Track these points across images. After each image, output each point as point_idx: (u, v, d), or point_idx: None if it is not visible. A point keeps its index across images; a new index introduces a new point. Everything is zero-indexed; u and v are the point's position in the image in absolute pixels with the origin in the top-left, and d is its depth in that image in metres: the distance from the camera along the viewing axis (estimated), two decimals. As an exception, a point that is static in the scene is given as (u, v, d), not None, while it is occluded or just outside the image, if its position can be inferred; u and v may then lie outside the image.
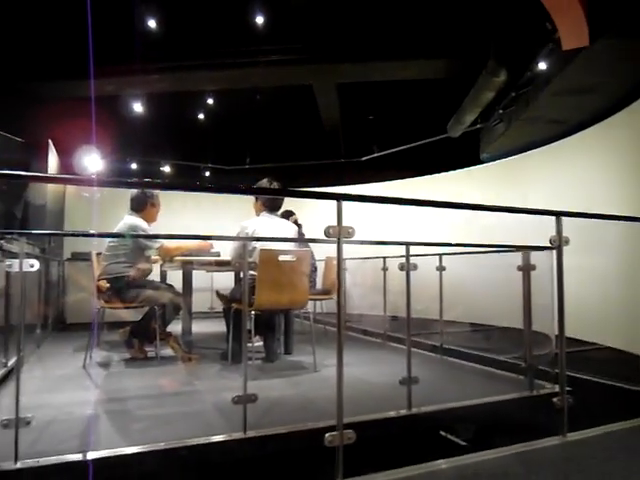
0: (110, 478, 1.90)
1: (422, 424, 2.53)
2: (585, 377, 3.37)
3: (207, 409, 2.71)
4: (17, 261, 2.09)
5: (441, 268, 4.16)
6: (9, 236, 3.24)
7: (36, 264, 2.11)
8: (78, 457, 1.94)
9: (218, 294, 4.38)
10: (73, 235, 6.34)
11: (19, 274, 2.13)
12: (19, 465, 1.84)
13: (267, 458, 2.11)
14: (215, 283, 6.21)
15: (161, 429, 2.35)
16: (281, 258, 3.49)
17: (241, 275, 4.45)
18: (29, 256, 3.43)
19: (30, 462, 1.86)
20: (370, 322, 5.80)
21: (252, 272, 3.48)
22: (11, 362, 3.49)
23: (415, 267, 2.73)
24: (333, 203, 1.89)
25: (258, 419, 2.35)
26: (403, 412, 2.52)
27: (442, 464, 1.94)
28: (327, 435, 1.76)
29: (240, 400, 2.22)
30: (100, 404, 2.83)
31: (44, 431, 2.21)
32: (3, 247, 3.11)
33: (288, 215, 5.09)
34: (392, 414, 2.50)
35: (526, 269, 3.14)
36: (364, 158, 8.96)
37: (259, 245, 3.58)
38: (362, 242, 2.78)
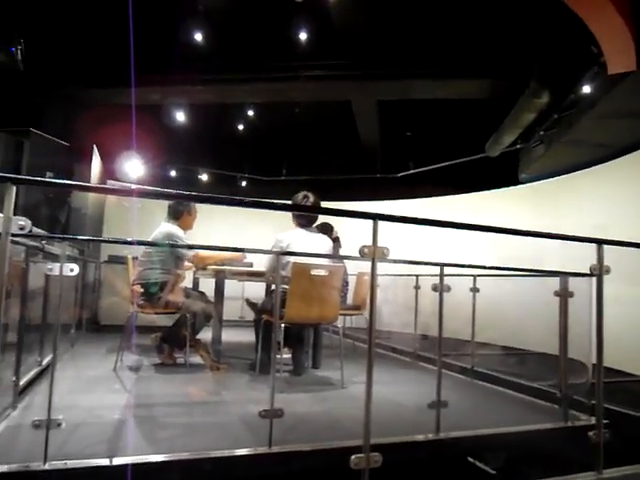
0: None
1: (450, 450, 2.48)
2: (622, 410, 3.24)
3: (233, 421, 2.72)
4: (58, 265, 2.14)
5: (475, 289, 4.10)
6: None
7: (76, 269, 2.16)
8: (105, 462, 1.97)
9: (248, 302, 4.40)
10: (112, 242, 6.49)
11: (59, 277, 2.18)
12: (47, 467, 1.87)
13: (291, 476, 2.10)
14: (246, 292, 6.25)
15: (187, 438, 2.37)
16: (313, 272, 3.49)
17: (272, 287, 4.47)
18: (69, 258, 3.56)
19: (58, 464, 1.89)
20: (399, 340, 5.73)
21: (284, 285, 3.49)
22: (45, 361, 3.59)
23: (449, 289, 2.69)
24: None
25: (283, 434, 2.34)
26: (431, 436, 2.47)
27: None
28: (353, 457, 1.75)
29: (267, 415, 2.22)
30: (129, 409, 2.87)
31: (73, 433, 2.24)
32: (45, 249, 3.20)
33: (327, 229, 5.05)
34: (420, 438, 2.46)
35: (563, 295, 3.06)
36: (400, 174, 8.93)
37: (292, 259, 3.60)
38: (396, 261, 2.76)
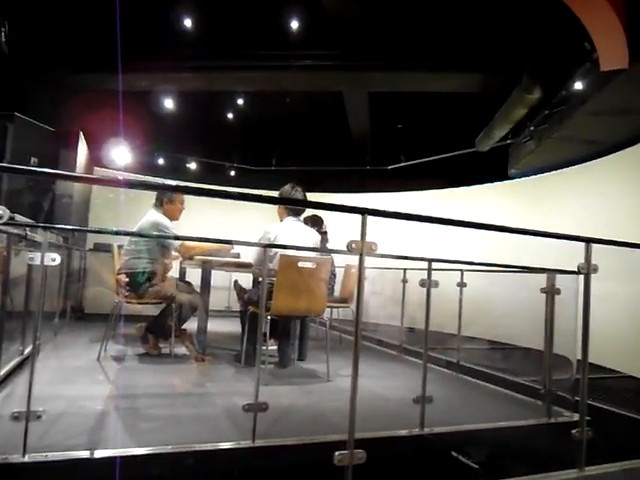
0: (116, 478, 1.89)
1: (434, 445, 2.48)
2: (604, 407, 3.27)
3: (217, 413, 2.69)
4: (39, 254, 2.08)
5: (462, 284, 4.10)
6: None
7: (57, 258, 2.10)
8: (86, 454, 1.94)
9: (236, 285, 4.38)
10: (97, 232, 6.38)
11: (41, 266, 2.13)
12: (27, 459, 1.84)
13: (274, 470, 2.08)
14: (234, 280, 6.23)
15: (170, 431, 2.34)
16: (301, 265, 3.47)
17: (260, 279, 4.45)
18: (52, 246, 3.49)
19: (38, 456, 1.86)
20: (386, 332, 5.74)
21: (270, 277, 3.46)
22: (27, 350, 3.53)
23: (437, 284, 2.68)
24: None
25: (267, 428, 2.32)
26: (415, 431, 2.47)
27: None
28: (337, 454, 1.73)
29: (251, 408, 2.20)
30: (111, 400, 2.82)
31: (54, 425, 2.21)
32: (28, 237, 3.14)
33: (317, 222, 5.05)
34: (404, 433, 2.45)
35: (550, 292, 3.07)
36: (390, 167, 8.90)
37: (280, 251, 3.57)
38: (383, 256, 2.74)
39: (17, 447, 1.84)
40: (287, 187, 4.10)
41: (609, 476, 2.17)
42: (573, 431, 2.27)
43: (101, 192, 7.16)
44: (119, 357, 3.99)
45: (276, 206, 4.25)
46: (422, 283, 2.69)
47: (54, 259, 2.09)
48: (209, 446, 2.09)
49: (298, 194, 4.08)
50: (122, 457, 1.95)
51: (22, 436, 1.86)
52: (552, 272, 3.06)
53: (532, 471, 2.10)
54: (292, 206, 4.10)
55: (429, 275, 2.67)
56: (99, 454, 1.95)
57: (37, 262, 2.08)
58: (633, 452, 2.40)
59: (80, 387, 3.07)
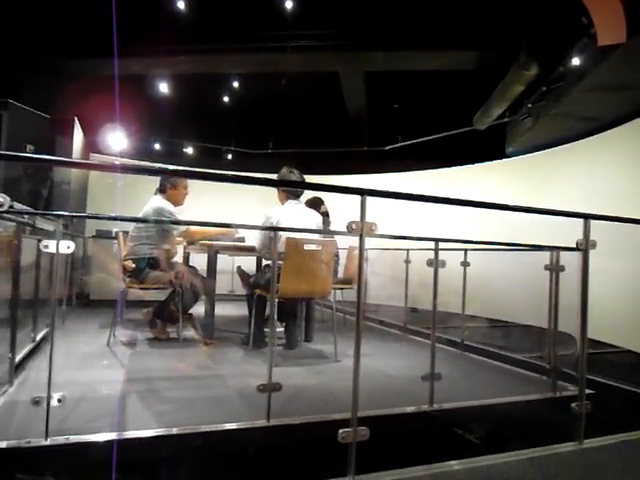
0: (134, 459, 1.92)
1: (439, 421, 2.52)
2: (605, 381, 3.31)
3: (229, 394, 2.74)
4: (53, 242, 2.08)
5: (465, 264, 4.09)
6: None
7: (72, 246, 2.12)
8: (105, 437, 1.98)
9: (239, 270, 4.41)
10: (103, 218, 6.38)
11: (51, 253, 2.14)
12: (49, 442, 1.88)
13: (289, 448, 2.12)
14: (236, 267, 6.25)
15: (186, 412, 2.39)
16: (306, 247, 3.51)
17: (264, 262, 4.48)
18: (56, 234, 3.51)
19: (60, 439, 1.91)
20: (389, 313, 5.78)
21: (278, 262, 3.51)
22: (39, 336, 3.61)
23: (444, 264, 2.69)
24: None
25: (281, 407, 2.37)
26: (422, 408, 2.51)
27: (455, 465, 1.92)
28: (341, 431, 1.76)
29: (265, 388, 2.24)
30: (126, 384, 2.87)
31: (73, 409, 2.25)
32: (35, 225, 3.16)
33: (317, 204, 5.05)
34: (409, 409, 2.49)
35: (555, 269, 3.07)
36: (387, 147, 8.87)
37: (285, 234, 3.59)
38: (383, 236, 2.74)
39: (38, 431, 1.89)
40: (284, 170, 4.13)
41: (608, 448, 2.21)
42: (573, 404, 2.30)
43: (99, 178, 7.13)
44: (128, 342, 4.03)
45: (275, 191, 4.25)
46: (429, 263, 2.68)
47: (69, 247, 2.10)
48: (226, 426, 2.16)
49: (294, 176, 4.11)
50: (141, 438, 2.01)
51: (41, 420, 1.89)
52: (553, 249, 3.06)
53: (536, 444, 2.13)
54: (291, 188, 4.11)
55: (436, 254, 2.66)
56: (118, 436, 2.00)
57: (52, 250, 2.08)
58: (632, 424, 2.44)
59: (94, 372, 3.12)
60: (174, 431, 2.09)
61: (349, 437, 1.77)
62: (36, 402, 1.92)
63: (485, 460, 1.98)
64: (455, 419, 2.52)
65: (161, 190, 4.27)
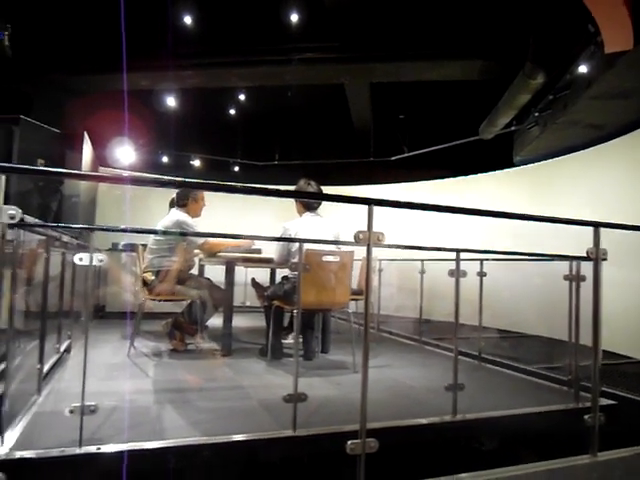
0: (165, 468, 1.94)
1: (459, 432, 2.48)
2: (620, 393, 3.24)
3: (253, 405, 2.74)
4: (87, 255, 2.12)
5: (482, 274, 4.02)
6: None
7: (104, 259, 2.17)
8: (137, 446, 1.98)
9: (254, 282, 4.40)
10: (123, 231, 6.41)
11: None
12: (82, 451, 1.89)
13: (314, 457, 2.10)
14: (249, 278, 6.25)
15: (213, 423, 2.39)
16: (325, 259, 3.53)
17: (283, 274, 4.48)
18: (70, 246, 3.56)
19: (93, 448, 1.91)
20: (403, 324, 5.75)
21: (294, 272, 3.57)
22: (63, 347, 3.66)
23: (465, 274, 2.66)
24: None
25: (307, 418, 2.35)
26: (444, 418, 2.47)
27: (466, 478, 1.90)
28: (349, 443, 1.75)
29: (291, 399, 2.23)
30: (153, 395, 2.87)
31: (106, 418, 2.27)
32: (60, 239, 3.20)
33: None
34: (422, 421, 2.45)
35: (574, 279, 2.95)
36: (393, 158, 8.87)
37: (304, 245, 3.60)
38: (390, 246, 2.73)
39: (70, 440, 1.90)
40: (301, 182, 4.17)
41: (622, 461, 2.17)
42: (585, 417, 2.26)
43: (107, 192, 7.19)
44: (148, 353, 4.06)
45: (286, 202, 4.26)
46: (451, 273, 2.65)
47: (101, 260, 2.14)
48: (253, 436, 2.15)
49: (311, 188, 4.14)
50: (173, 447, 2.01)
51: (72, 429, 1.91)
52: (573, 259, 2.96)
53: (552, 456, 2.10)
54: (305, 200, 4.14)
55: (457, 265, 2.63)
56: (150, 445, 2.00)
57: (85, 262, 2.10)
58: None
59: (119, 382, 3.16)
60: (199, 441, 2.08)
61: (357, 449, 1.76)
62: (71, 412, 1.94)
63: (500, 473, 1.95)
64: (472, 430, 2.48)
65: (181, 204, 4.31)
